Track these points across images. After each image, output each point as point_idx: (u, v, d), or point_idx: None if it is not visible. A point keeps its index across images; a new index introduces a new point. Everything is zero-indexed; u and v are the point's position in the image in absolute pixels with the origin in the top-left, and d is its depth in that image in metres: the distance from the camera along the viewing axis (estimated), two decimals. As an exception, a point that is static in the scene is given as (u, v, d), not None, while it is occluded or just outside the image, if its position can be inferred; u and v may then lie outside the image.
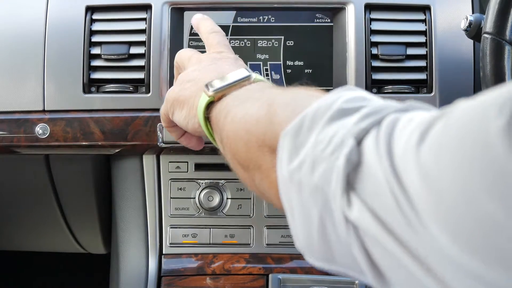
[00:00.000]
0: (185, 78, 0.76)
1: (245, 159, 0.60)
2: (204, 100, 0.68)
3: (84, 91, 0.97)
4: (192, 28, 1.00)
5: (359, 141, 0.46)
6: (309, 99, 0.53)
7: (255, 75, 0.69)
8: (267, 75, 1.00)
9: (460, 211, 0.37)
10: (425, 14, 1.00)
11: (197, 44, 1.00)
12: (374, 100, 0.51)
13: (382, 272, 0.45)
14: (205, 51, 0.95)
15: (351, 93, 0.52)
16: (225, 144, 0.64)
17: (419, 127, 0.41)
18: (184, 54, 0.83)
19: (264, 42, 1.01)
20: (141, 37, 0.98)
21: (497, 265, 0.36)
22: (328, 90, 1.00)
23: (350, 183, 0.45)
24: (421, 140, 0.40)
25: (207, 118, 0.69)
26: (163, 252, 1.03)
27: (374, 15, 0.99)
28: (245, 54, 1.00)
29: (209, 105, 0.68)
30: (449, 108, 0.41)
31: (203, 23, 0.86)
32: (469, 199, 0.36)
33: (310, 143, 0.49)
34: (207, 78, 0.70)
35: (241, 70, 0.69)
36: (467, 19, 0.90)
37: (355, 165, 0.45)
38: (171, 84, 0.97)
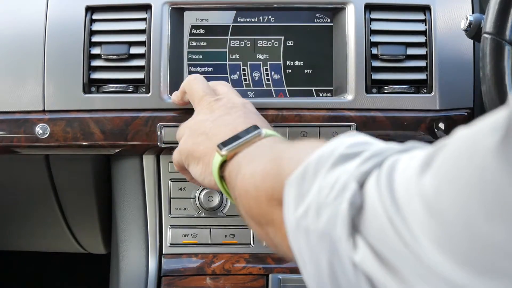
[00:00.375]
0: (197, 129, 0.79)
1: (257, 215, 0.61)
2: (217, 160, 0.71)
3: (84, 91, 0.97)
4: (192, 28, 1.00)
5: (361, 184, 0.47)
6: (313, 150, 0.54)
7: (265, 131, 0.71)
8: (267, 75, 1.00)
9: (460, 235, 0.37)
10: (425, 14, 1.00)
11: (197, 44, 1.00)
12: (375, 144, 0.52)
13: None
14: (206, 51, 0.95)
15: (352, 138, 0.54)
16: (239, 202, 0.66)
17: (419, 161, 0.42)
18: (196, 92, 0.85)
19: (264, 42, 1.01)
20: (141, 37, 0.98)
21: (503, 285, 0.36)
22: (328, 91, 1.00)
23: (355, 226, 0.46)
24: (422, 172, 0.41)
25: (222, 177, 0.71)
26: (163, 252, 1.03)
27: (374, 15, 0.99)
28: (245, 54, 1.00)
29: (223, 164, 0.70)
30: (449, 139, 0.41)
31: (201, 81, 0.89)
32: (468, 223, 0.37)
33: (314, 190, 0.50)
34: (220, 133, 0.73)
35: (252, 127, 0.72)
36: (467, 19, 0.90)
37: (359, 208, 0.46)
38: (171, 84, 0.97)
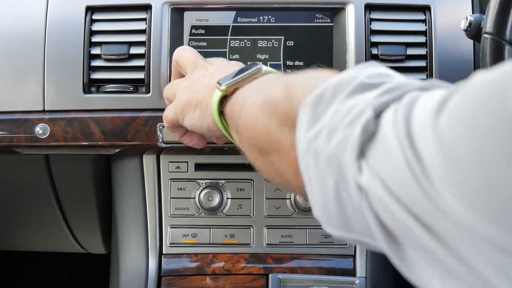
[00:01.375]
0: (195, 83, 0.78)
1: (263, 143, 0.60)
2: (217, 95, 0.69)
3: (84, 91, 0.97)
4: (192, 28, 1.00)
5: (378, 114, 0.47)
6: (328, 78, 0.54)
7: (265, 68, 0.70)
8: (267, 75, 1.00)
9: (476, 177, 0.37)
10: (425, 14, 1.00)
11: (197, 44, 1.00)
12: (397, 77, 0.52)
13: (394, 237, 0.45)
14: (206, 51, 0.95)
15: (374, 69, 0.53)
16: (242, 133, 0.65)
17: (437, 100, 0.42)
18: (188, 59, 0.83)
19: (264, 42, 1.01)
20: (141, 37, 0.98)
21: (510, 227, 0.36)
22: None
23: (363, 152, 0.46)
24: (439, 110, 0.41)
25: (221, 113, 0.70)
26: (163, 252, 1.03)
27: (374, 15, 0.99)
28: (245, 54, 1.00)
29: (222, 101, 0.69)
30: (468, 81, 0.41)
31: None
32: (486, 166, 0.36)
33: (329, 114, 0.50)
34: (219, 77, 0.71)
35: (251, 64, 0.71)
36: (467, 19, 0.90)
37: (370, 135, 0.46)
38: (171, 84, 0.97)
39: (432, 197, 0.40)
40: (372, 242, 0.48)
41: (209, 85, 0.73)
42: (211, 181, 1.03)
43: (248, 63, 0.73)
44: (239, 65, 0.77)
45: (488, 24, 0.82)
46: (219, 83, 0.69)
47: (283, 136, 0.57)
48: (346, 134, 0.47)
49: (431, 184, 0.40)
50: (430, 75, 0.98)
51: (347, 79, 0.51)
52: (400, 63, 0.98)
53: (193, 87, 0.77)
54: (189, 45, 1.00)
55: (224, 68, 0.77)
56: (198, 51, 0.89)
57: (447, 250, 0.41)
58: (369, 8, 0.99)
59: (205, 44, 1.00)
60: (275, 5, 1.00)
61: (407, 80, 0.50)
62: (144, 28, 0.98)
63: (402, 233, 0.44)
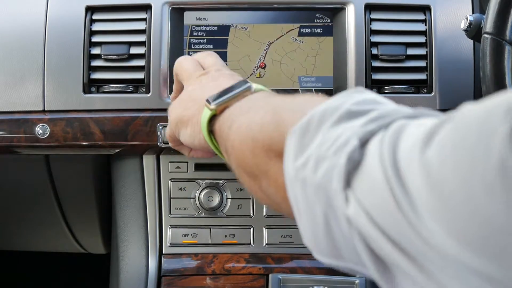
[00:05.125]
0: (186, 98, 0.77)
1: (251, 166, 0.60)
2: (206, 114, 0.69)
3: (84, 91, 0.97)
4: (192, 28, 1.00)
5: (364, 143, 0.46)
6: (316, 104, 0.54)
7: (255, 86, 0.70)
8: (267, 75, 1.00)
9: (463, 211, 0.37)
10: (425, 14, 1.00)
11: (197, 44, 1.00)
12: (385, 104, 0.52)
13: (386, 266, 0.45)
14: (205, 50, 0.94)
15: (361, 95, 0.53)
16: (230, 154, 0.65)
17: (426, 130, 0.42)
18: (185, 70, 0.84)
19: (264, 42, 1.00)
20: (141, 37, 0.98)
21: (497, 261, 0.36)
22: (328, 91, 1.00)
23: (349, 181, 0.46)
24: (427, 142, 0.40)
25: (211, 132, 0.70)
26: (163, 252, 1.03)
27: (374, 15, 0.99)
28: (245, 54, 1.00)
29: (212, 119, 0.69)
30: (456, 112, 0.41)
31: (194, 55, 0.88)
32: (470, 199, 0.36)
33: (316, 143, 0.50)
34: (208, 94, 0.71)
35: (240, 82, 0.70)
36: (467, 19, 0.90)
37: (356, 165, 0.45)
38: (171, 84, 0.97)
39: (418, 229, 0.40)
40: (364, 270, 0.48)
41: (199, 100, 0.73)
42: (211, 181, 1.03)
43: (238, 80, 0.72)
44: (232, 77, 0.77)
45: (488, 24, 0.82)
46: (208, 101, 0.69)
47: (270, 161, 0.57)
48: (332, 164, 0.47)
49: (417, 216, 0.40)
50: (430, 75, 0.98)
51: (334, 106, 0.51)
52: (400, 63, 0.98)
53: (184, 103, 0.77)
54: (189, 43, 1.00)
55: (216, 80, 0.76)
56: (198, 51, 0.89)
57: (433, 282, 0.41)
58: (369, 8, 0.99)
59: (205, 44, 1.00)
60: (275, 5, 1.00)
61: (394, 107, 0.50)
62: (144, 28, 0.98)
63: (391, 264, 0.44)
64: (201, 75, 0.80)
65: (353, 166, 0.46)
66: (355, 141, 0.46)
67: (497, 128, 0.36)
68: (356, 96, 0.52)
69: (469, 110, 0.39)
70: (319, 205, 0.48)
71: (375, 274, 0.46)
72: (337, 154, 0.47)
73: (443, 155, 0.39)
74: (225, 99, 0.68)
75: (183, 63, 0.85)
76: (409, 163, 0.41)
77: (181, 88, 0.86)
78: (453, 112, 0.41)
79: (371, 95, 0.53)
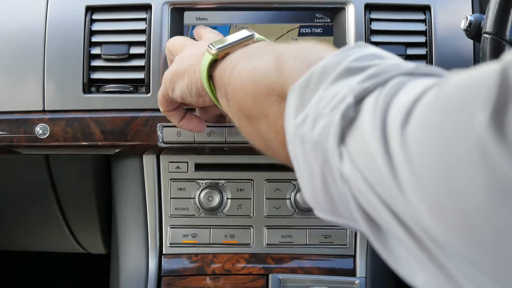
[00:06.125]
0: (182, 56, 0.78)
1: (251, 109, 0.61)
2: (207, 58, 0.69)
3: (84, 91, 0.97)
4: (192, 28, 1.00)
5: (360, 100, 0.46)
6: (319, 52, 0.54)
7: (258, 35, 0.70)
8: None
9: (441, 188, 0.37)
10: (425, 14, 1.00)
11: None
12: (386, 58, 0.51)
13: (377, 225, 0.46)
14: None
15: (361, 50, 0.52)
16: (230, 98, 0.64)
17: (411, 99, 0.41)
18: (177, 42, 0.84)
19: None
20: (141, 37, 0.98)
21: (473, 240, 0.36)
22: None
23: (343, 138, 0.46)
24: (409, 113, 0.40)
25: (210, 77, 0.69)
26: (163, 252, 1.03)
27: (374, 15, 0.99)
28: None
29: (212, 64, 0.69)
30: (443, 80, 0.41)
31: (202, 30, 0.89)
32: (447, 178, 0.36)
33: (314, 100, 0.50)
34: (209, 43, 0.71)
35: (243, 31, 0.71)
36: (467, 19, 0.90)
37: (350, 122, 0.46)
38: (171, 84, 0.97)
39: (405, 196, 0.40)
40: (360, 228, 0.48)
41: (198, 55, 0.73)
42: (211, 181, 1.03)
43: (241, 30, 0.73)
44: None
45: (488, 24, 0.82)
46: (210, 47, 0.69)
47: (271, 104, 0.57)
48: (328, 121, 0.47)
49: (401, 189, 0.40)
50: (430, 75, 0.98)
51: (333, 63, 0.51)
52: (400, 63, 0.98)
53: (181, 59, 0.77)
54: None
55: (215, 39, 0.76)
56: (191, 39, 0.89)
57: (424, 251, 0.41)
58: (369, 8, 0.99)
59: (205, 44, 1.01)
60: (275, 5, 1.00)
61: (395, 62, 0.50)
62: (144, 28, 0.98)
63: (382, 223, 0.45)
64: (197, 42, 0.80)
65: (348, 123, 0.46)
66: (351, 98, 0.46)
67: (477, 114, 0.35)
68: (357, 51, 0.52)
69: (454, 82, 0.39)
70: (316, 162, 0.49)
71: (367, 231, 0.47)
72: (333, 111, 0.47)
73: (421, 132, 0.39)
74: (227, 44, 0.68)
75: (174, 39, 0.85)
76: (393, 134, 0.41)
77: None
78: (443, 77, 0.41)
79: (373, 49, 0.53)
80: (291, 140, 0.52)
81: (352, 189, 0.46)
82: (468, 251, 0.37)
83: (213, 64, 0.69)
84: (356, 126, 0.45)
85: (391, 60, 0.51)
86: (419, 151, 0.39)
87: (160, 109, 0.85)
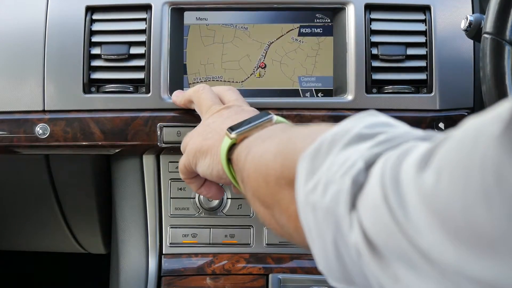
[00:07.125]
0: (206, 129, 0.78)
1: (265, 195, 0.61)
2: (226, 143, 0.70)
3: (84, 91, 0.97)
4: (192, 28, 1.00)
5: (369, 165, 0.46)
6: (327, 130, 0.54)
7: (276, 117, 0.71)
8: (267, 75, 1.00)
9: (458, 219, 0.37)
10: (425, 14, 1.00)
11: (197, 44, 1.00)
12: (396, 127, 0.51)
13: None
14: (207, 45, 0.94)
15: (372, 118, 0.53)
16: (246, 183, 0.65)
17: (425, 150, 0.41)
18: (204, 101, 0.84)
19: (265, 42, 1.00)
20: (141, 37, 0.98)
21: (497, 267, 0.36)
22: (328, 91, 1.00)
23: (354, 204, 0.46)
24: (426, 161, 0.40)
25: (229, 160, 0.70)
26: (163, 252, 1.03)
27: (374, 15, 0.99)
28: (245, 53, 1.00)
29: (231, 148, 0.70)
30: (454, 130, 0.41)
31: (213, 87, 0.89)
32: (466, 207, 0.36)
33: (325, 166, 0.50)
34: (230, 124, 0.72)
35: (262, 113, 0.71)
36: (467, 19, 0.90)
37: (361, 187, 0.45)
38: (171, 84, 0.97)
39: (421, 247, 0.40)
40: None
41: (220, 131, 0.74)
42: (211, 181, 1.03)
43: (260, 112, 0.74)
44: (254, 112, 0.78)
45: (488, 24, 0.82)
46: (229, 131, 0.70)
47: (281, 190, 0.57)
48: (339, 187, 0.47)
49: (417, 232, 0.40)
50: (430, 75, 0.98)
51: (344, 130, 0.51)
52: (400, 63, 0.98)
53: (204, 133, 0.78)
54: (188, 45, 1.00)
55: (239, 114, 0.77)
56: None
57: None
58: (369, 8, 0.99)
59: (204, 44, 1.00)
60: (275, 5, 1.00)
61: (406, 130, 0.50)
62: (144, 28, 0.98)
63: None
64: (222, 109, 0.81)
65: (358, 188, 0.45)
66: (361, 164, 0.46)
67: (487, 134, 0.35)
68: (368, 119, 0.53)
69: (467, 125, 0.39)
70: (328, 230, 0.48)
71: None
72: (344, 177, 0.47)
73: (439, 172, 0.39)
74: (246, 128, 0.69)
75: (202, 94, 0.85)
76: (407, 183, 0.41)
77: (188, 103, 0.88)
78: (453, 130, 0.41)
79: (383, 118, 0.53)
80: (302, 208, 0.52)
81: (362, 256, 0.45)
82: (491, 279, 0.37)
83: (232, 147, 0.70)
84: (365, 190, 0.45)
85: (401, 128, 0.51)
86: (436, 189, 0.38)
87: (181, 177, 0.85)
